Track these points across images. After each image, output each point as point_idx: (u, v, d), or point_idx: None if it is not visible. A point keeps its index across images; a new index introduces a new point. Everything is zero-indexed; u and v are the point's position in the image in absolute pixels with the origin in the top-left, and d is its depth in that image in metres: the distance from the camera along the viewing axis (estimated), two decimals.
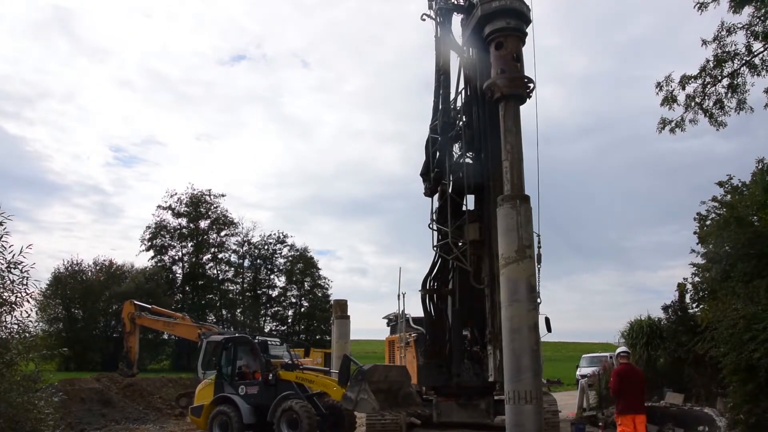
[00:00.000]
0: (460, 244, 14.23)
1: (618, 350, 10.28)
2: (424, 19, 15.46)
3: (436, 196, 15.22)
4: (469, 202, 14.80)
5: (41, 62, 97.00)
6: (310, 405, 12.08)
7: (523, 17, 11.61)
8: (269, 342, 14.60)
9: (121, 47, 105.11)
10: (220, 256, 57.19)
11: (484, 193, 14.13)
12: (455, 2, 15.18)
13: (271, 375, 12.76)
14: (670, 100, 14.34)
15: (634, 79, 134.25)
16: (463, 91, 15.22)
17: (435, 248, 14.95)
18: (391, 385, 11.76)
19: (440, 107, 15.18)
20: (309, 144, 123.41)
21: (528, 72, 11.46)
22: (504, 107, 11.12)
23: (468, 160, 14.70)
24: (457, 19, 15.18)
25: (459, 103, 15.30)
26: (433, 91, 15.45)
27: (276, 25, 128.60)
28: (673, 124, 14.55)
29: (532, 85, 11.51)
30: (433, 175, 14.99)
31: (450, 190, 14.61)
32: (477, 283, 13.82)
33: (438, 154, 15.11)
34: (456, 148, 15.03)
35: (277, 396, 12.43)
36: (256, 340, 14.06)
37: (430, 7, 15.48)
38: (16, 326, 7.43)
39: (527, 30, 11.74)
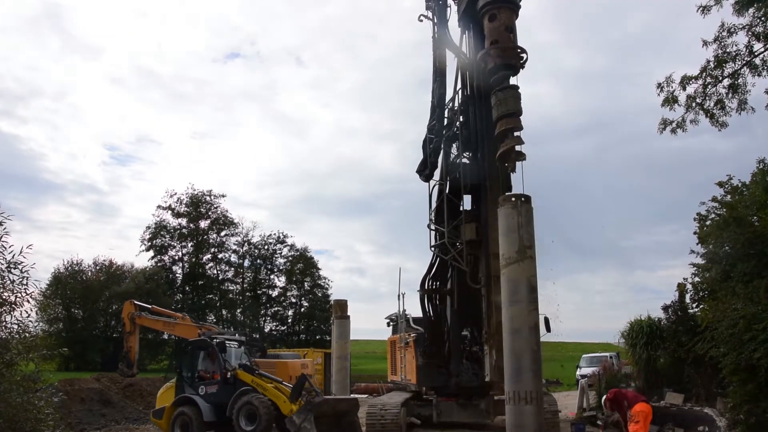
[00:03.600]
0: (457, 244, 14.24)
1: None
2: (421, 20, 15.52)
3: (434, 198, 15.23)
4: (467, 202, 14.84)
5: (32, 59, 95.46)
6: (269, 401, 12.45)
7: None
8: (228, 344, 14.50)
9: (113, 44, 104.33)
10: (220, 256, 57.16)
11: (480, 192, 14.15)
12: None
13: (229, 374, 13.22)
14: (671, 100, 14.34)
15: (631, 76, 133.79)
16: (460, 92, 15.26)
17: (432, 248, 14.96)
18: (338, 413, 12.69)
19: (437, 107, 15.22)
20: (304, 142, 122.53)
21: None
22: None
23: (465, 160, 14.74)
24: (455, 20, 15.23)
25: (456, 104, 15.33)
26: (429, 91, 15.49)
27: (270, 22, 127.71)
28: (674, 125, 14.55)
29: (524, 56, 11.49)
30: (430, 159, 15.03)
31: (447, 190, 14.63)
32: (474, 283, 13.82)
33: (435, 153, 15.14)
34: (453, 148, 15.06)
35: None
36: (215, 341, 14.30)
37: (428, 8, 15.52)
38: (16, 326, 7.44)
39: (519, 2, 11.80)
